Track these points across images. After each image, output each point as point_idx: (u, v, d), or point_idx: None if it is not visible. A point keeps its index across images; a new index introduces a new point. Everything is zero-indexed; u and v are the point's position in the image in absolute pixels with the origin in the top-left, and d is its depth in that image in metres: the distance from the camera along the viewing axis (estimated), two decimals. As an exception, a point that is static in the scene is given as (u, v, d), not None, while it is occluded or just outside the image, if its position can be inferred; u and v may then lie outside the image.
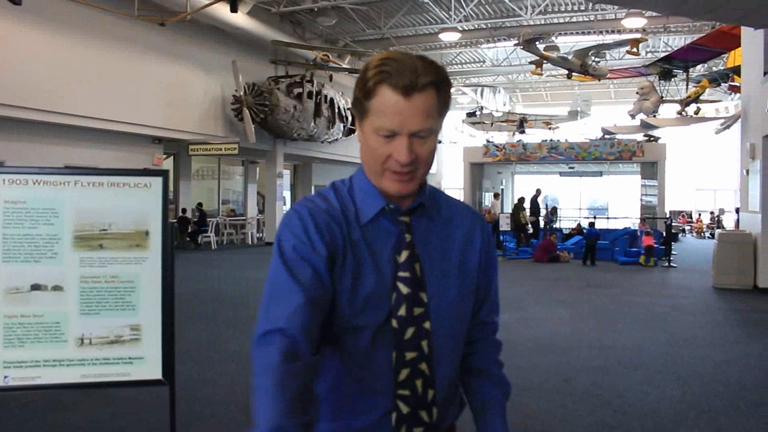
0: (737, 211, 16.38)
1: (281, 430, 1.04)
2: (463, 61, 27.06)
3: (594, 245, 16.21)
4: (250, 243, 21.43)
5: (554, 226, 21.89)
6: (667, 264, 15.74)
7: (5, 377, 2.24)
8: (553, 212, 22.41)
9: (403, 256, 1.29)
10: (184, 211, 19.32)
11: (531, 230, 19.64)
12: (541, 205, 21.84)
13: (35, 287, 2.23)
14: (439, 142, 28.62)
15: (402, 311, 1.27)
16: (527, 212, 20.23)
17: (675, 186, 31.84)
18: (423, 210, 1.36)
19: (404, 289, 1.28)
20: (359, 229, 1.29)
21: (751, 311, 9.71)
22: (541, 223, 20.73)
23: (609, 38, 19.79)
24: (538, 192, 21.11)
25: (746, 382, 5.83)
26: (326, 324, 1.24)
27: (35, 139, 13.84)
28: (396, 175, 1.25)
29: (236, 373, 5.75)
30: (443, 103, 1.27)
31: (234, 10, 5.26)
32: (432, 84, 1.22)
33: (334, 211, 1.29)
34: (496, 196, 23.29)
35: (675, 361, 6.54)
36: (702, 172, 33.55)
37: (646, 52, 23.25)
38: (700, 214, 31.01)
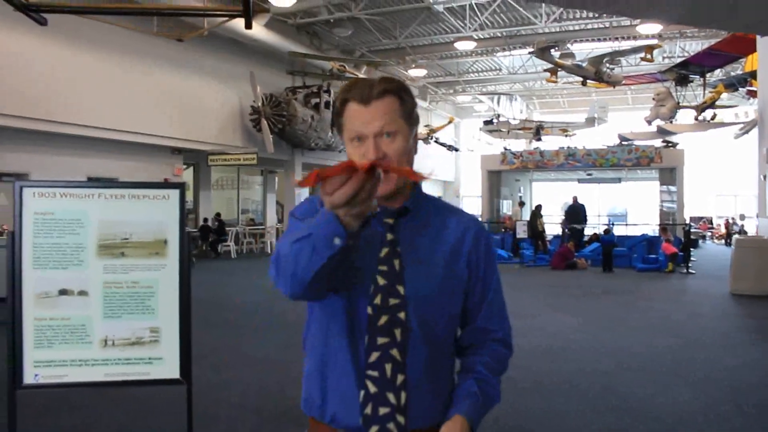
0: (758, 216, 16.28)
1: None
2: (479, 69, 27.19)
3: (610, 252, 16.21)
4: (269, 252, 21.64)
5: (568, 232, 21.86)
6: (685, 270, 15.70)
7: (35, 375, 2.41)
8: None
9: (383, 252, 1.45)
10: (205, 220, 19.59)
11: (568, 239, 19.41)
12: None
13: (63, 292, 2.41)
14: (443, 143, 28.75)
15: (377, 300, 1.43)
16: (544, 219, 20.25)
17: (695, 192, 31.64)
18: (412, 213, 1.51)
19: (381, 280, 1.44)
20: None
21: (766, 317, 9.71)
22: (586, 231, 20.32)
23: (625, 44, 19.83)
24: (575, 200, 20.87)
25: (756, 386, 5.88)
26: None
27: (59, 151, 14.20)
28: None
29: (252, 378, 5.90)
30: (407, 108, 1.49)
31: (248, 27, 5.46)
32: (387, 91, 1.44)
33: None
34: (520, 204, 23.14)
35: (685, 366, 6.59)
36: (722, 177, 33.27)
37: (663, 58, 23.21)
38: (727, 220, 30.67)
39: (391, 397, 1.42)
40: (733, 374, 6.29)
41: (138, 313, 2.45)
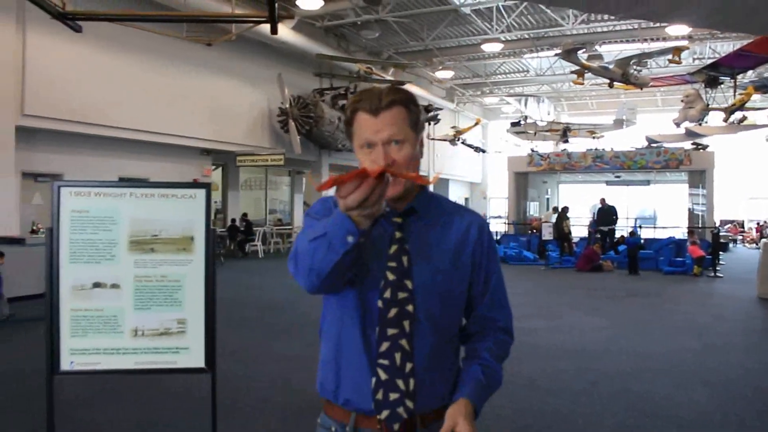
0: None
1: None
2: (506, 71, 27.16)
3: (636, 254, 16.12)
4: (296, 252, 21.87)
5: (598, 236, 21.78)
6: (713, 274, 15.55)
7: (71, 362, 2.58)
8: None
9: (392, 249, 1.57)
10: (233, 220, 19.87)
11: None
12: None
13: (96, 285, 2.57)
14: (455, 141, 28.72)
15: (387, 294, 1.55)
16: (570, 221, 20.21)
17: (726, 195, 31.21)
18: (418, 214, 1.63)
19: (391, 275, 1.55)
20: None
21: (793, 321, 9.64)
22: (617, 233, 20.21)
23: (653, 46, 19.68)
24: (603, 202, 20.78)
25: (775, 388, 5.90)
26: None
27: (92, 152, 14.55)
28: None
29: (278, 374, 6.07)
30: (413, 118, 1.59)
31: (274, 32, 5.61)
32: (394, 102, 1.55)
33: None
34: (554, 210, 22.94)
35: (706, 368, 6.61)
36: (755, 180, 32.77)
37: (693, 59, 22.98)
38: (759, 224, 30.20)
39: (400, 383, 1.54)
40: (753, 376, 6.30)
41: (166, 305, 2.61)
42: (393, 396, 1.54)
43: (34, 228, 12.33)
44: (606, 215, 20.06)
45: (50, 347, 2.55)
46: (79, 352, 2.58)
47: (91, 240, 2.56)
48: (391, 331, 1.54)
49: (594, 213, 21.55)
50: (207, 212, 2.60)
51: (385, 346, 1.55)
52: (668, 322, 9.30)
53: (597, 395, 5.60)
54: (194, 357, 2.63)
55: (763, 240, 14.59)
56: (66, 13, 4.96)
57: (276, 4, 4.57)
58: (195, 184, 2.73)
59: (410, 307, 1.55)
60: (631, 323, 9.23)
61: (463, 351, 1.76)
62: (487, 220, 21.03)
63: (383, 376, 1.54)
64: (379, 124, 1.54)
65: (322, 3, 15.16)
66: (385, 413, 1.54)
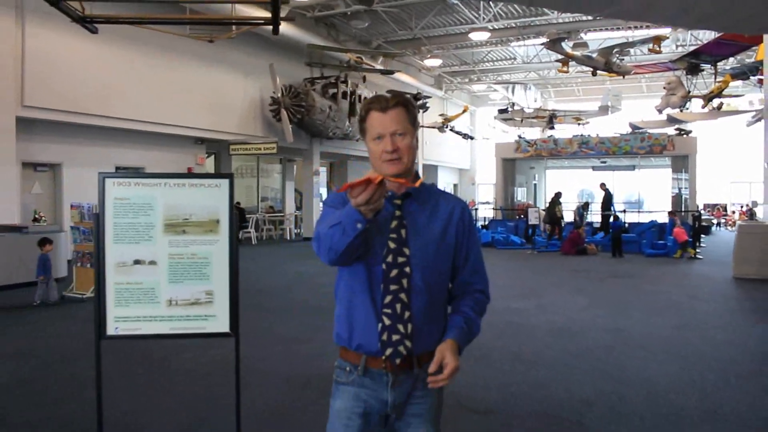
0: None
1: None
2: (493, 59, 27.50)
3: (619, 238, 16.65)
4: (288, 238, 22.27)
5: (585, 220, 22.33)
6: (692, 256, 16.09)
7: (116, 328, 2.99)
8: (584, 207, 22.77)
9: (393, 224, 2.01)
10: (225, 208, 20.15)
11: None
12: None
13: (137, 262, 2.98)
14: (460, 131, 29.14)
15: (389, 258, 1.99)
16: (562, 207, 20.79)
17: (710, 179, 31.82)
18: (413, 197, 2.07)
19: (392, 244, 2.00)
20: None
21: (764, 299, 10.16)
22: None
23: (637, 33, 20.10)
24: (604, 186, 21.42)
25: (740, 359, 6.41)
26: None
27: (89, 141, 14.84)
28: (388, 161, 2.00)
29: (282, 353, 6.50)
30: (412, 116, 2.08)
31: (276, 33, 5.98)
32: (398, 103, 2.04)
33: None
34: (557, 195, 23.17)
35: (679, 342, 7.11)
36: (737, 164, 33.35)
37: (676, 46, 23.43)
38: (742, 207, 30.76)
39: (401, 327, 1.98)
40: (722, 350, 6.80)
41: (196, 279, 3.02)
42: (395, 337, 1.98)
43: (36, 216, 12.65)
44: (608, 200, 20.78)
45: (98, 315, 2.96)
46: (122, 319, 2.99)
47: (132, 223, 2.96)
48: (392, 287, 1.98)
49: (580, 198, 22.08)
50: (230, 199, 3.01)
51: (388, 299, 1.98)
52: (646, 301, 9.80)
53: (577, 366, 6.08)
54: (220, 323, 3.05)
55: (738, 222, 15.12)
56: (85, 17, 5.32)
57: (279, 8, 4.94)
58: (219, 174, 3.13)
59: (407, 269, 1.98)
60: (611, 302, 9.72)
61: (450, 308, 2.20)
62: (476, 206, 21.65)
63: (387, 321, 1.98)
64: (387, 120, 2.00)
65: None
66: (388, 351, 1.97)
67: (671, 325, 7.99)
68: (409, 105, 2.06)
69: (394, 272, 1.97)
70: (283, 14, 15.94)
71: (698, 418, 4.64)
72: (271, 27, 5.36)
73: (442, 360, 1.94)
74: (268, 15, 6.60)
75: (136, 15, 9.38)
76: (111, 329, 2.99)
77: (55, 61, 13.06)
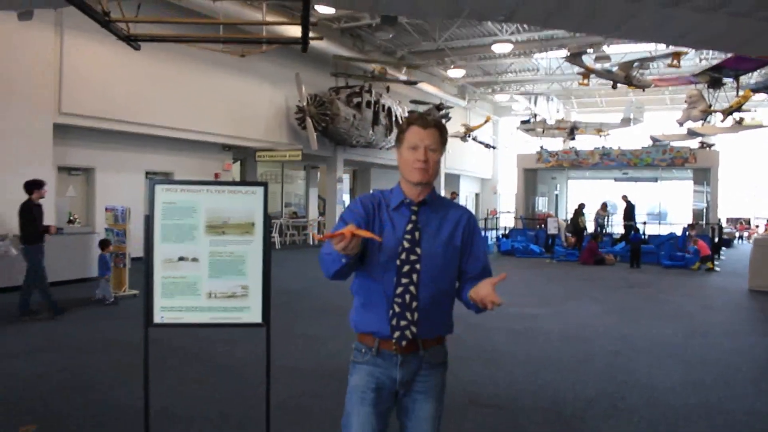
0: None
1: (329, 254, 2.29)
2: (516, 70, 27.78)
3: (638, 249, 16.83)
4: (311, 243, 22.69)
5: (606, 228, 22.58)
6: (710, 268, 16.22)
7: (161, 317, 3.38)
8: (603, 208, 22.88)
9: (408, 226, 2.39)
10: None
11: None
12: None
13: (181, 258, 3.36)
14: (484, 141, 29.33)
15: (403, 256, 2.36)
16: (585, 218, 21.09)
17: (734, 192, 31.75)
18: (428, 205, 2.45)
19: (406, 244, 2.37)
20: (387, 210, 2.45)
21: (776, 310, 10.34)
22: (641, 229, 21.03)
23: (659, 47, 20.27)
24: (625, 198, 21.75)
25: (743, 366, 6.66)
26: (365, 262, 2.39)
27: (120, 147, 15.38)
28: (418, 168, 2.40)
29: (302, 348, 6.90)
30: (444, 139, 2.47)
31: (305, 51, 6.41)
32: (436, 125, 2.44)
33: (375, 199, 2.49)
34: (604, 207, 23.27)
35: (685, 349, 7.37)
36: (762, 177, 33.21)
37: (700, 59, 23.52)
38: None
39: (408, 315, 2.35)
40: (727, 357, 7.06)
41: (233, 274, 3.40)
42: (403, 323, 2.35)
43: (71, 219, 13.18)
44: (630, 211, 21.01)
45: (147, 306, 3.36)
46: (167, 309, 3.38)
47: (177, 225, 3.35)
48: (404, 280, 2.35)
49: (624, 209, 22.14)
50: (264, 204, 3.39)
51: (399, 290, 2.35)
52: (657, 310, 10.04)
53: (584, 369, 6.38)
54: (254, 314, 3.43)
55: (754, 236, 15.24)
56: (130, 36, 5.78)
57: (309, 29, 5.35)
58: (255, 182, 3.51)
59: (418, 266, 2.36)
60: (623, 310, 9.98)
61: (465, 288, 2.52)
62: (497, 215, 21.88)
63: (397, 309, 2.35)
64: (425, 135, 2.40)
65: (333, 11, 15.85)
66: (396, 334, 2.35)
67: (679, 333, 8.24)
68: (443, 129, 2.47)
69: (406, 268, 2.34)
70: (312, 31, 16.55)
71: (695, 416, 4.93)
72: (300, 47, 5.79)
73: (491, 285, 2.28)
74: (298, 32, 7.06)
75: (176, 34, 9.89)
76: (157, 318, 3.38)
77: (90, 70, 13.62)
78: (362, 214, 2.43)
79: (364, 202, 2.47)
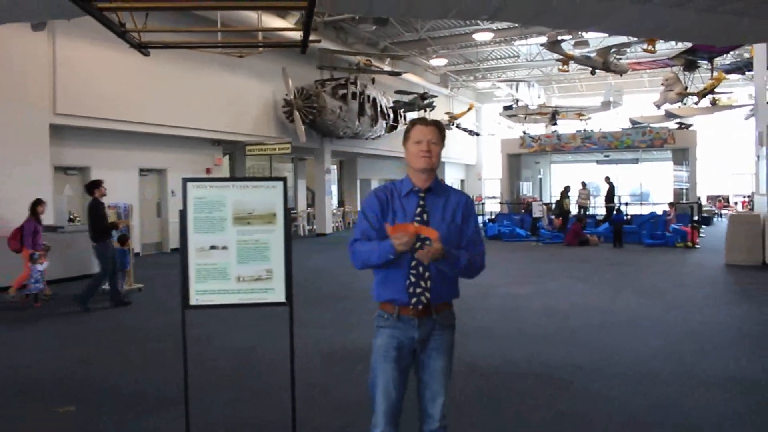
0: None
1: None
2: (497, 57, 28.23)
3: (620, 229, 17.41)
4: (301, 234, 23.08)
5: (588, 212, 23.21)
6: (690, 245, 16.83)
7: (196, 299, 3.80)
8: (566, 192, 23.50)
9: (418, 210, 2.86)
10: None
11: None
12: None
13: (212, 247, 3.78)
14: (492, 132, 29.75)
15: None
16: (570, 200, 21.75)
17: (713, 171, 32.48)
18: (433, 191, 2.91)
19: (416, 224, 2.80)
20: (399, 198, 2.91)
21: (750, 283, 10.91)
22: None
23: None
24: (608, 179, 22.40)
25: (717, 334, 7.22)
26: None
27: (114, 145, 15.67)
28: (423, 157, 2.86)
29: (316, 333, 7.32)
30: (442, 135, 2.95)
31: (303, 53, 6.82)
32: (435, 124, 2.93)
33: (387, 190, 2.96)
34: (583, 185, 23.79)
35: (664, 321, 7.91)
36: (739, 156, 33.92)
37: (676, 43, 24.08)
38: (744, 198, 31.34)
39: (422, 283, 2.81)
40: (702, 326, 7.62)
41: (259, 260, 3.83)
42: (418, 290, 2.82)
43: (71, 217, 13.51)
44: (612, 192, 21.65)
45: (183, 289, 3.78)
46: (201, 292, 3.80)
47: (208, 217, 3.77)
48: (417, 255, 2.78)
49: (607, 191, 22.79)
50: (284, 197, 3.83)
51: (413, 263, 2.81)
52: (638, 287, 10.59)
53: (571, 341, 6.90)
54: (278, 295, 3.86)
55: (730, 213, 15.85)
56: (142, 43, 6.17)
57: (309, 34, 5.75)
58: (275, 178, 3.95)
59: (428, 242, 2.80)
60: (606, 288, 10.51)
61: None
62: (483, 201, 22.48)
63: (413, 279, 2.82)
64: (426, 131, 2.89)
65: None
66: (413, 300, 2.82)
67: (659, 307, 8.78)
68: (441, 127, 2.98)
69: (417, 244, 2.79)
70: (293, 21, 16.88)
71: (672, 378, 5.44)
72: (300, 49, 6.20)
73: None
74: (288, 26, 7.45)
75: (183, 40, 10.25)
76: (193, 300, 3.81)
77: (83, 70, 13.88)
78: (377, 207, 2.91)
79: (378, 195, 2.95)
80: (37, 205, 10.24)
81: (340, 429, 4.45)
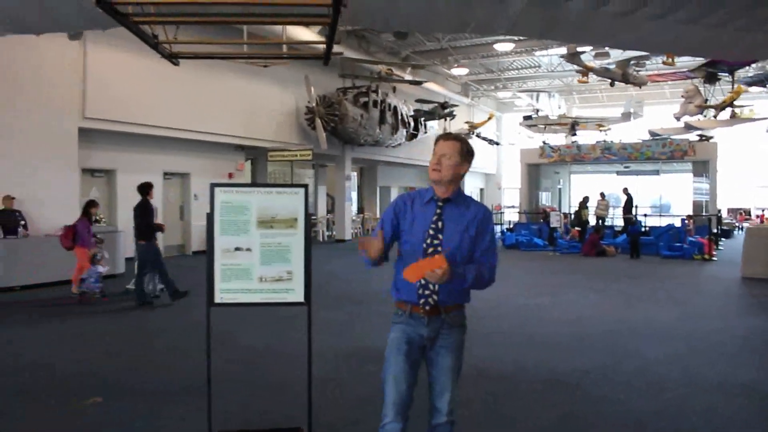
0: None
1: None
2: (518, 67, 28.37)
3: (637, 240, 17.47)
4: (321, 240, 23.35)
5: (605, 223, 23.24)
6: (707, 257, 16.84)
7: (221, 297, 4.05)
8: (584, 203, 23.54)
9: (434, 218, 3.06)
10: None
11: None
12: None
13: (237, 249, 4.03)
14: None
15: (428, 240, 3.03)
16: (588, 211, 21.83)
17: (736, 184, 32.29)
18: (452, 201, 3.11)
19: (431, 231, 3.04)
20: (421, 205, 3.11)
21: (765, 295, 10.95)
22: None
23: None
24: (626, 191, 22.51)
25: (726, 343, 7.33)
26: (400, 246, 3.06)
27: (140, 149, 16.07)
28: (432, 170, 3.06)
29: (322, 335, 7.53)
30: (465, 150, 3.11)
31: (326, 64, 7.08)
32: (455, 138, 3.12)
33: (410, 197, 3.17)
34: (602, 195, 23.88)
35: (674, 330, 8.03)
36: (762, 169, 33.68)
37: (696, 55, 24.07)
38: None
39: (431, 286, 3.03)
40: (712, 336, 7.74)
41: (280, 261, 4.07)
42: (426, 292, 3.04)
43: (97, 218, 13.88)
44: (630, 204, 21.70)
45: (209, 288, 4.02)
46: (225, 291, 4.04)
47: (233, 220, 4.02)
48: (426, 276, 2.98)
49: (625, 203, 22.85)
50: (305, 202, 4.06)
51: None
52: (653, 297, 10.69)
53: (580, 347, 7.06)
54: (298, 295, 4.10)
55: (746, 225, 15.85)
56: (172, 53, 6.48)
57: (332, 46, 6.01)
58: (297, 184, 4.19)
59: (439, 248, 3.01)
60: (621, 298, 10.62)
61: None
62: (502, 210, 22.65)
63: (422, 282, 3.02)
64: (444, 146, 3.08)
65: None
66: (422, 301, 3.04)
67: (671, 317, 8.90)
68: (462, 141, 3.13)
69: (430, 250, 3.00)
70: (316, 29, 17.19)
71: (678, 383, 5.59)
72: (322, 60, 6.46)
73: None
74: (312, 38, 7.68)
75: (213, 51, 10.61)
76: (218, 299, 4.05)
77: (111, 77, 14.30)
78: (392, 213, 3.14)
79: (397, 203, 3.18)
80: (90, 207, 10.70)
81: (353, 422, 4.67)
